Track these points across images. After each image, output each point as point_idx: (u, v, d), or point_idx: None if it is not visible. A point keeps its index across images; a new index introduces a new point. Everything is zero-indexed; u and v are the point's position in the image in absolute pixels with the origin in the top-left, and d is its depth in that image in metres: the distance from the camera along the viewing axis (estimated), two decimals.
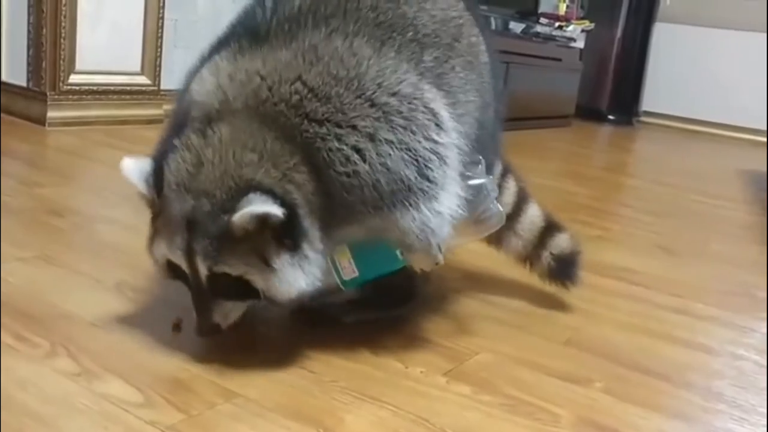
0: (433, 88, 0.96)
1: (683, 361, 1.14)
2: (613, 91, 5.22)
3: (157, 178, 0.90)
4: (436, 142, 0.94)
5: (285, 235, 0.87)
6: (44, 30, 2.36)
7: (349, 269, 0.97)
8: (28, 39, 2.42)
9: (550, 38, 4.58)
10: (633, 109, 5.31)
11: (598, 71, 5.13)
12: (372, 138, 0.90)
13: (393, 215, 0.93)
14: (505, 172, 1.29)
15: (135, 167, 0.91)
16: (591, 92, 5.11)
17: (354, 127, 0.89)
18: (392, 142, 0.90)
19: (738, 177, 3.32)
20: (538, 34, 4.59)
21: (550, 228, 1.30)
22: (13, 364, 0.87)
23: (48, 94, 2.37)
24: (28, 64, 2.43)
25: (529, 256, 1.30)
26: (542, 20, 4.55)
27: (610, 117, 5.21)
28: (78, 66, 2.43)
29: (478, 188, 1.00)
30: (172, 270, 0.93)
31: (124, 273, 1.19)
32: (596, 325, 1.24)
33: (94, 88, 2.47)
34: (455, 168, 0.97)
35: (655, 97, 5.29)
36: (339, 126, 0.89)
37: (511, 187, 1.30)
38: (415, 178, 0.92)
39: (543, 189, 2.50)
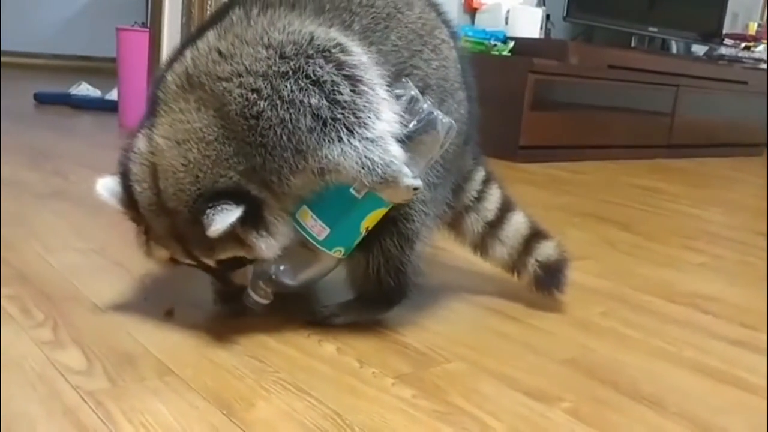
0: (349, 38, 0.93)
1: (694, 391, 0.99)
2: None
3: (129, 196, 0.98)
4: (341, 62, 0.89)
5: (246, 217, 0.90)
6: None
7: (317, 227, 0.96)
8: None
9: (735, 60, 4.21)
10: None
11: None
12: (265, 76, 0.89)
13: (320, 154, 0.89)
14: (488, 179, 1.24)
15: (106, 188, 0.99)
16: None
17: (249, 71, 0.90)
18: (286, 73, 0.88)
19: None
20: (722, 56, 4.24)
21: (535, 236, 1.24)
22: (3, 332, 0.97)
23: None
24: None
25: (515, 264, 1.23)
26: (727, 41, 4.19)
27: None
28: None
29: (409, 100, 0.93)
30: (175, 262, 1.02)
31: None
32: (618, 348, 1.12)
33: None
34: (375, 84, 0.90)
35: None
36: (239, 75, 0.90)
37: (494, 194, 1.24)
38: (327, 107, 0.88)
39: (670, 213, 2.29)
